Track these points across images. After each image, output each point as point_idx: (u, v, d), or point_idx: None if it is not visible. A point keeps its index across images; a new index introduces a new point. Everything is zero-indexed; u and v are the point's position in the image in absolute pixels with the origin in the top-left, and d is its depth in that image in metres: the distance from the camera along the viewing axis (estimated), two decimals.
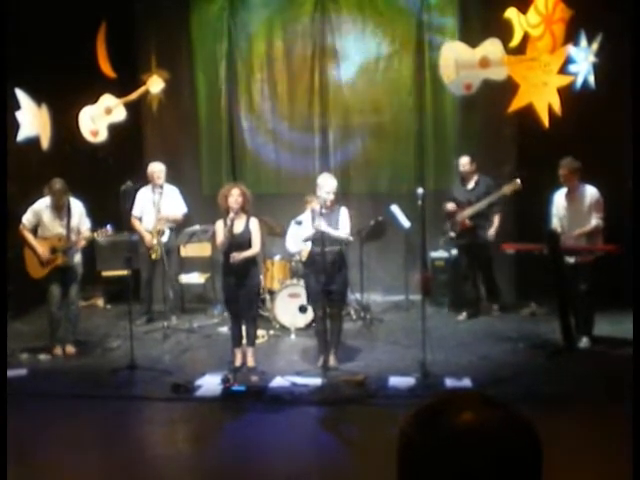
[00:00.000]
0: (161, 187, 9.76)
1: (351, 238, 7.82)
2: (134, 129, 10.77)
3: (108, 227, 8.34)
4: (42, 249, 8.39)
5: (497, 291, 9.95)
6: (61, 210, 8.47)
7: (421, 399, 6.03)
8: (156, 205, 9.67)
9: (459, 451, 1.25)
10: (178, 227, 9.81)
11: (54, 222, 8.45)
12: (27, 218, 8.45)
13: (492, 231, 9.51)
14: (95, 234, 8.44)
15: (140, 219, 9.79)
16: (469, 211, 9.40)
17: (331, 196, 7.62)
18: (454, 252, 10.11)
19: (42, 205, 8.47)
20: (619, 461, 4.28)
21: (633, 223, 7.29)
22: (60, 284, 8.55)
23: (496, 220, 9.49)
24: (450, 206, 9.58)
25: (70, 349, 8.66)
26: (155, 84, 9.96)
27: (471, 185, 9.58)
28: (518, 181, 9.17)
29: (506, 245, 8.91)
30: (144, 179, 9.85)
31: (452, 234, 9.67)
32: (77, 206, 8.57)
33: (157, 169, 9.76)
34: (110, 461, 5.98)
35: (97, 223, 8.58)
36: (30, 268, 8.51)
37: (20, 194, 8.97)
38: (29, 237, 8.44)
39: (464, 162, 9.57)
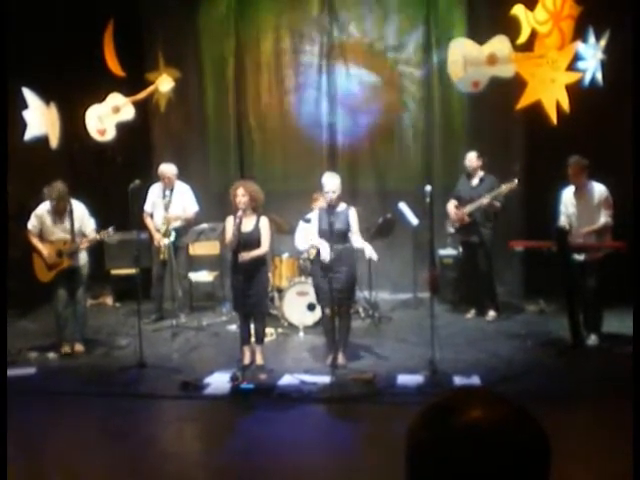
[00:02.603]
0: (171, 188, 9.78)
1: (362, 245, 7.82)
2: (142, 128, 10.78)
3: (110, 229, 8.36)
4: (48, 253, 8.44)
5: (493, 295, 9.79)
6: (62, 214, 8.48)
7: (430, 397, 6.02)
8: (165, 205, 9.69)
9: (468, 448, 1.25)
10: (189, 225, 9.82)
11: (55, 227, 8.48)
12: (32, 224, 8.51)
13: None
14: (98, 235, 8.47)
15: (151, 215, 9.81)
16: (469, 207, 9.39)
17: (335, 194, 7.62)
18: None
19: (43, 210, 8.50)
20: (627, 457, 4.27)
21: (634, 223, 7.28)
22: (66, 284, 8.58)
23: (497, 204, 9.40)
24: (450, 207, 9.58)
25: (79, 347, 8.67)
26: (165, 83, 9.96)
27: (475, 182, 9.56)
28: (515, 181, 9.18)
29: (514, 242, 8.90)
30: (154, 177, 9.87)
31: (451, 230, 9.69)
32: (79, 209, 8.55)
33: (168, 171, 9.75)
34: (119, 459, 5.98)
35: (105, 222, 8.58)
36: (37, 272, 8.56)
37: (29, 193, 8.99)
38: (36, 242, 8.50)
39: (471, 157, 9.57)
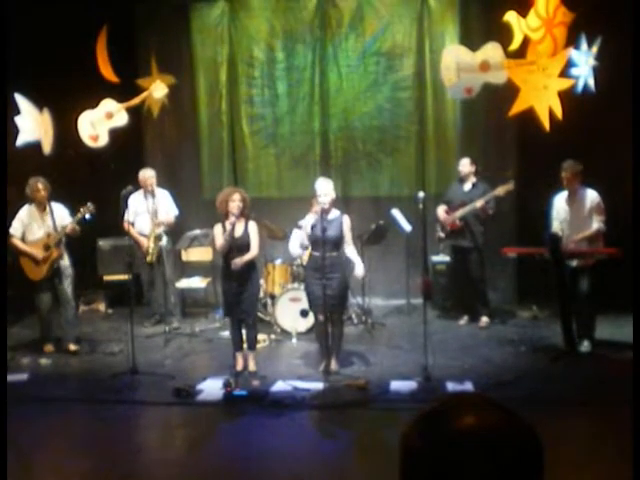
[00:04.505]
0: (153, 192, 9.75)
1: (360, 269, 7.84)
2: (135, 134, 10.77)
3: (89, 204, 8.46)
4: (36, 251, 8.49)
5: (486, 301, 9.80)
6: (43, 211, 8.63)
7: (423, 403, 6.03)
8: (151, 210, 9.66)
9: (461, 455, 1.25)
10: (171, 230, 9.81)
11: (38, 226, 8.59)
12: (14, 227, 8.65)
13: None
14: (79, 214, 8.51)
15: (132, 224, 9.76)
16: (460, 212, 9.40)
17: (327, 197, 7.61)
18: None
19: (25, 211, 8.66)
20: (620, 464, 4.27)
21: (633, 226, 7.29)
22: (50, 288, 8.65)
23: (489, 210, 9.41)
24: (440, 211, 9.58)
25: (72, 347, 8.71)
26: (158, 89, 9.94)
27: (468, 187, 9.58)
28: (512, 182, 9.20)
29: (507, 249, 8.91)
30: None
31: (442, 234, 9.68)
32: (59, 208, 8.73)
33: (148, 175, 9.75)
34: (111, 466, 5.96)
35: (98, 227, 8.63)
36: (30, 272, 8.60)
37: (21, 199, 8.97)
38: (19, 244, 8.62)
39: (464, 163, 9.59)
